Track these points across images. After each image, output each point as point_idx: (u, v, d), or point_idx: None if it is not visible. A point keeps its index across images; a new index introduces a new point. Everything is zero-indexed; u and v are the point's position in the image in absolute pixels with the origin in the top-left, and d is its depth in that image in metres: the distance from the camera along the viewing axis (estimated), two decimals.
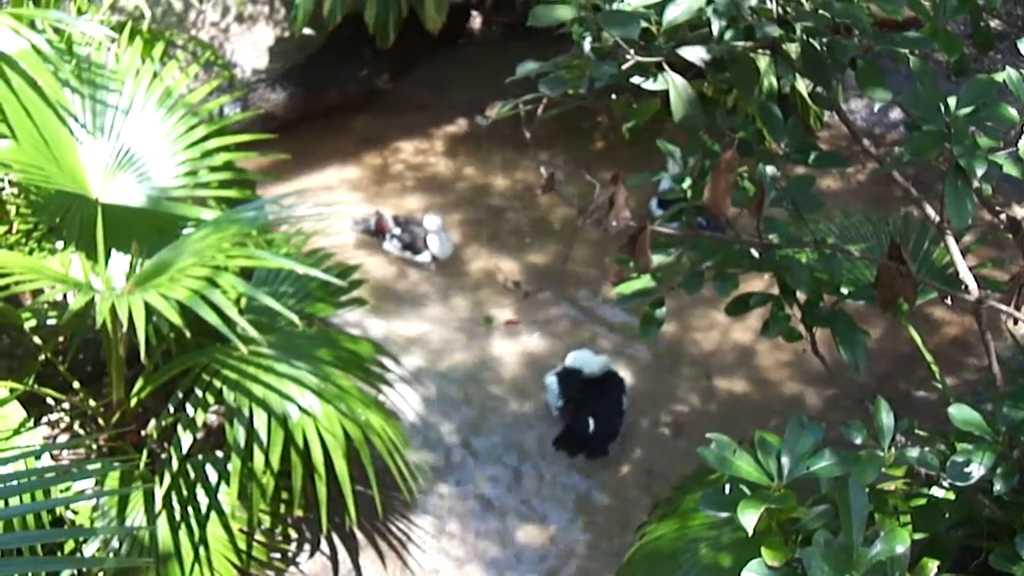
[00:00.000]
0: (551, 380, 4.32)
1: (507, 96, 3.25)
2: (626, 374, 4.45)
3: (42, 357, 3.60)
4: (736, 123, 2.93)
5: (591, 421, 4.16)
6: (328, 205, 4.88)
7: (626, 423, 4.28)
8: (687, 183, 2.92)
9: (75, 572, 3.20)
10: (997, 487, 2.36)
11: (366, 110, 5.98)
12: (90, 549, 3.26)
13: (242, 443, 3.36)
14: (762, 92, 3.55)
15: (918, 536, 2.44)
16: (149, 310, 3.02)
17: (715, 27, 2.70)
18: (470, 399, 4.45)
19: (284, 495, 3.56)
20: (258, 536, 3.58)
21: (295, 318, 3.37)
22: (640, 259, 2.58)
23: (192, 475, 3.46)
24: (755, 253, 2.86)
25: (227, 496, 3.43)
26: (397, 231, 5.08)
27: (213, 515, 3.42)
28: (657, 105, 3.07)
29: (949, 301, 3.07)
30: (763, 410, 4.35)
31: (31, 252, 3.54)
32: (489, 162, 5.83)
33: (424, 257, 5.05)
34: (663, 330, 3.03)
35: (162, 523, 3.35)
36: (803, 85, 4.93)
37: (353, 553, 3.76)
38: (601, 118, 5.86)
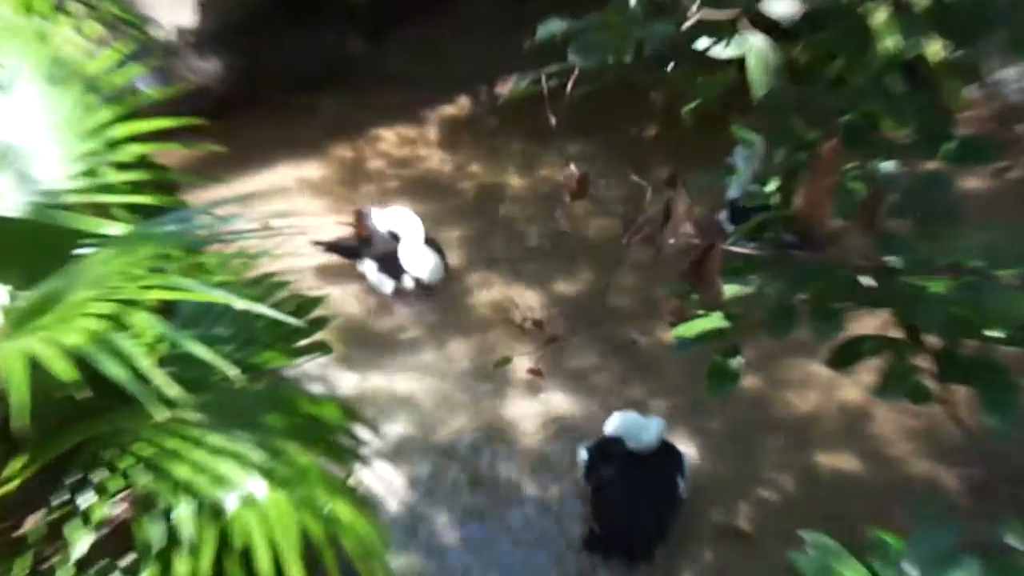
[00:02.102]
0: (584, 455, 4.29)
1: (524, 67, 3.24)
2: (687, 447, 4.42)
3: None
4: (841, 102, 2.91)
5: (631, 512, 4.13)
6: (282, 215, 4.86)
7: (684, 515, 4.24)
8: (772, 185, 2.89)
9: None
10: None
11: (333, 85, 5.98)
12: None
13: (159, 545, 3.31)
14: (878, 59, 3.53)
15: None
16: (30, 361, 2.99)
17: None
18: (475, 481, 4.44)
19: None
20: None
21: (235, 371, 3.33)
22: (708, 290, 2.55)
23: None
24: (868, 281, 2.83)
25: None
26: (380, 244, 5.07)
27: None
28: (731, 78, 3.04)
29: None
30: (879, 498, 4.31)
31: None
32: (501, 156, 5.82)
33: (405, 283, 5.05)
34: (740, 387, 2.99)
35: None
36: (936, 48, 4.90)
37: None
38: (653, 96, 5.86)
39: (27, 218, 3.70)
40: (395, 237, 5.10)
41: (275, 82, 5.82)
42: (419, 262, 5.05)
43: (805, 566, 2.37)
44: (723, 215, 5.09)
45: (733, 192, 4.91)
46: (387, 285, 5.09)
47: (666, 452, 4.29)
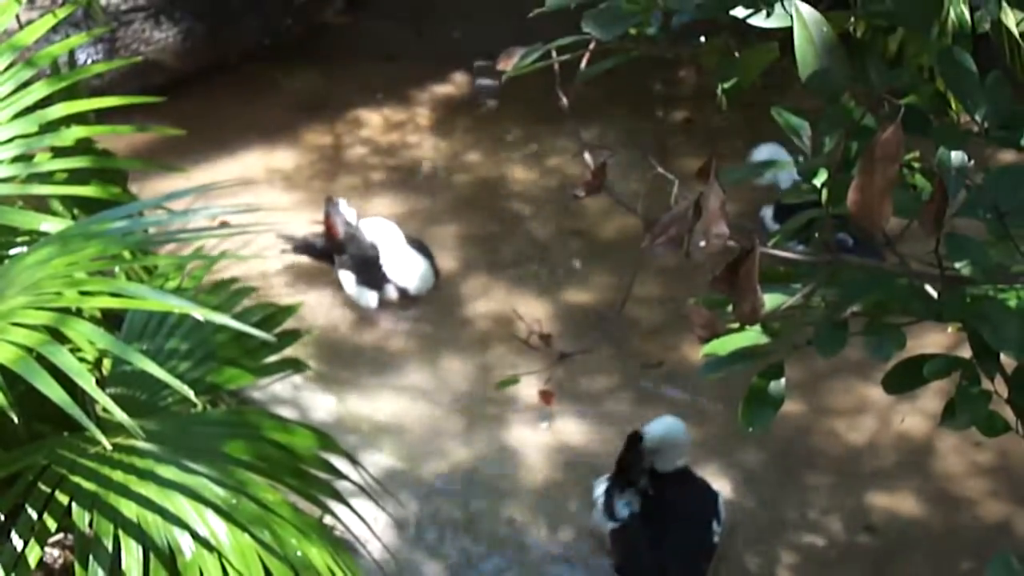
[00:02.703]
0: (601, 491, 4.29)
1: (531, 40, 3.23)
2: (721, 484, 4.42)
3: None
4: (902, 82, 2.91)
5: (655, 555, 4.14)
6: (248, 210, 4.87)
7: (720, 562, 4.25)
8: (821, 178, 2.89)
9: None
10: None
11: (307, 59, 5.99)
12: None
13: None
14: (945, 31, 3.53)
15: None
16: None
17: None
18: (472, 523, 4.44)
19: None
20: None
21: (190, 393, 3.33)
22: (745, 300, 2.54)
23: None
24: (932, 292, 2.83)
25: None
26: (358, 248, 5.08)
27: None
28: (774, 54, 3.04)
29: None
30: (944, 547, 4.31)
31: None
32: (503, 143, 5.83)
33: (389, 294, 5.05)
34: (782, 415, 2.99)
35: None
36: (1013, 18, 4.90)
37: None
38: (683, 74, 5.86)
39: None
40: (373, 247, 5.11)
41: (240, 54, 5.82)
42: (404, 269, 5.05)
43: None
44: (767, 212, 5.09)
45: (782, 184, 4.91)
46: (369, 298, 5.09)
47: (699, 488, 4.29)
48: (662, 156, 3.13)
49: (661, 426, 4.30)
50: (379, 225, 5.15)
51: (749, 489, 4.52)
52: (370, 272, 5.08)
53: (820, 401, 4.77)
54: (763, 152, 4.68)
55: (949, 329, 2.98)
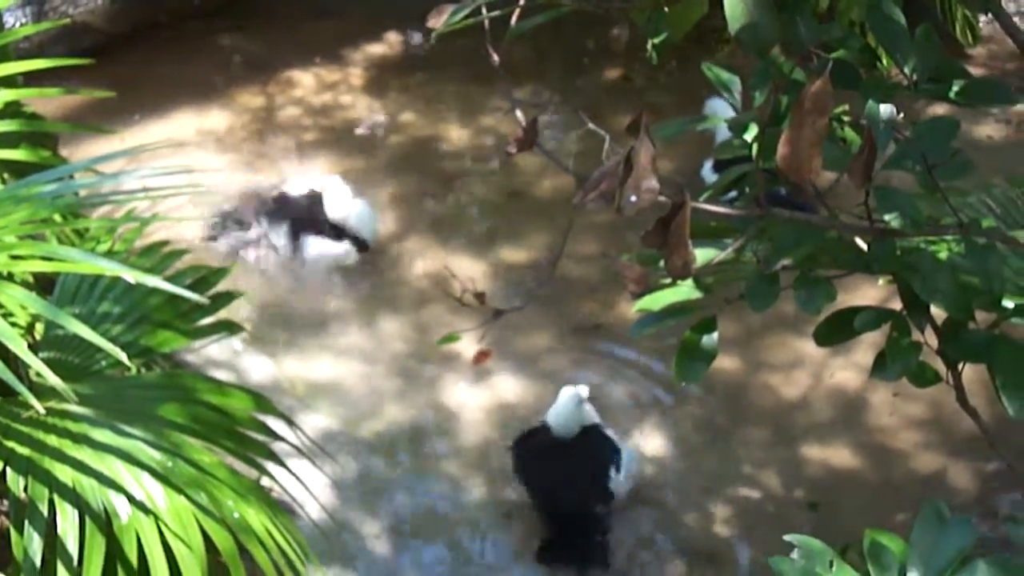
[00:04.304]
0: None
1: None
2: (657, 440, 4.46)
3: None
4: (831, 36, 2.91)
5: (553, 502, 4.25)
6: (179, 172, 4.84)
7: (656, 514, 4.29)
8: (751, 133, 2.89)
9: None
10: None
11: (240, 19, 5.96)
12: None
13: (37, 558, 3.30)
14: None
15: None
16: None
17: None
18: (410, 482, 4.45)
19: None
20: None
21: (123, 356, 3.31)
22: (676, 256, 2.54)
23: None
24: (862, 244, 2.84)
25: None
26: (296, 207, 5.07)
27: None
28: (702, 9, 3.04)
29: None
30: (877, 496, 4.35)
31: None
32: (437, 102, 5.82)
33: (341, 249, 5.04)
34: (715, 370, 3.00)
35: None
36: None
37: None
38: (616, 32, 5.86)
39: None
40: (312, 198, 5.09)
41: (171, 15, 5.78)
42: (361, 219, 5.05)
43: (790, 571, 2.38)
44: (705, 169, 5.09)
45: (718, 139, 4.92)
46: (319, 247, 5.08)
47: (593, 436, 4.34)
48: (596, 113, 3.13)
49: (557, 409, 4.34)
50: (325, 182, 5.14)
51: (686, 444, 4.54)
52: (311, 227, 5.07)
53: (754, 356, 4.79)
54: (715, 105, 4.68)
55: (880, 282, 3.00)
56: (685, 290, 2.91)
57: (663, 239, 2.55)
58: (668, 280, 2.88)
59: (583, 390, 4.32)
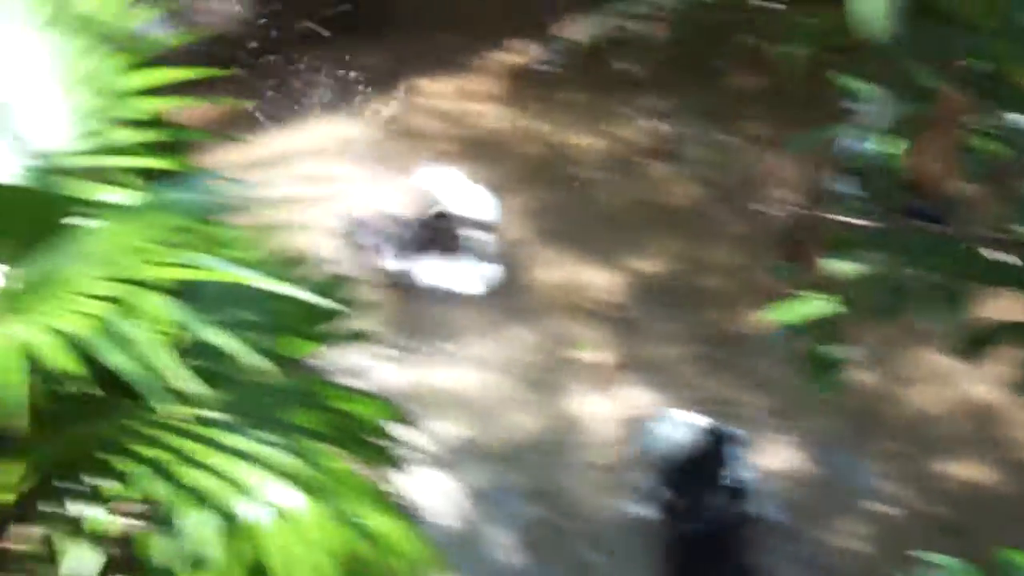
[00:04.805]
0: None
1: (597, 7, 3.22)
2: (792, 452, 4.44)
3: None
4: (968, 45, 2.88)
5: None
6: (315, 181, 4.90)
7: (779, 532, 4.27)
8: (886, 144, 2.87)
9: None
10: None
11: (376, 31, 5.99)
12: None
13: (171, 564, 3.34)
14: None
15: None
16: (24, 350, 3.02)
17: None
18: (540, 491, 4.47)
19: None
20: None
21: (262, 362, 3.35)
22: (809, 267, 2.54)
23: None
24: (1001, 257, 2.81)
25: None
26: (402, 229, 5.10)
27: None
28: (839, 20, 3.02)
29: None
30: (1012, 512, 4.29)
31: None
32: (569, 111, 5.81)
33: (471, 258, 5.06)
34: (849, 382, 2.98)
35: None
36: None
37: None
38: (752, 41, 5.83)
39: (20, 185, 3.72)
40: (440, 215, 5.12)
41: (305, 27, 5.83)
42: (475, 202, 5.08)
43: None
44: (837, 178, 5.05)
45: (846, 149, 4.88)
46: (469, 284, 5.11)
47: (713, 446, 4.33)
48: (727, 123, 3.12)
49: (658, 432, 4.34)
50: (441, 175, 5.16)
51: (821, 457, 4.50)
52: (449, 242, 5.11)
53: (888, 368, 4.74)
54: (851, 116, 4.61)
55: (1020, 296, 2.96)
56: (819, 302, 2.90)
57: (798, 251, 2.55)
58: (803, 291, 2.88)
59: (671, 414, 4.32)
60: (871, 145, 2.96)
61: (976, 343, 2.99)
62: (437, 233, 5.12)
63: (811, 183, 5.02)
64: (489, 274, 5.15)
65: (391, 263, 5.02)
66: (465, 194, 5.11)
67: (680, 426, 4.29)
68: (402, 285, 5.12)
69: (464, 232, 5.10)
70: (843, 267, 2.89)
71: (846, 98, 3.01)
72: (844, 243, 2.96)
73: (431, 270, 5.13)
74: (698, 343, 4.88)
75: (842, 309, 2.95)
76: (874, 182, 2.98)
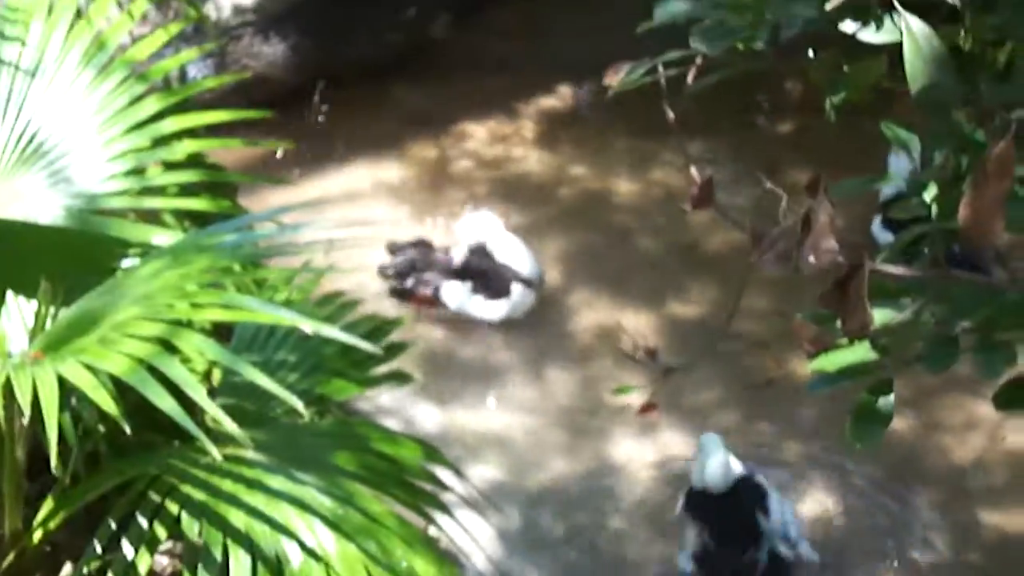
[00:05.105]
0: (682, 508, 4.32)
1: (638, 54, 3.22)
2: (829, 500, 4.42)
3: None
4: (1013, 95, 2.87)
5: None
6: (355, 224, 4.91)
7: (819, 570, 4.24)
8: (931, 193, 2.86)
9: None
10: None
11: (414, 72, 6.01)
12: None
13: None
14: None
15: None
16: (66, 389, 3.02)
17: None
18: (577, 536, 4.44)
19: None
20: None
21: (299, 404, 3.35)
22: (854, 316, 2.52)
23: None
24: None
25: None
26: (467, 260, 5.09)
27: None
28: (882, 68, 3.02)
29: None
30: None
31: None
32: (608, 156, 5.82)
33: (514, 299, 5.04)
34: (890, 431, 2.95)
35: None
36: None
37: None
38: (789, 86, 5.82)
39: (62, 225, 3.74)
40: (481, 251, 5.11)
41: (349, 68, 5.85)
42: (517, 256, 5.06)
43: None
44: (875, 226, 5.04)
45: (889, 197, 4.85)
46: (491, 309, 5.09)
47: (746, 489, 4.28)
48: (768, 169, 3.12)
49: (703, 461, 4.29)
50: (483, 221, 5.16)
51: (854, 505, 4.47)
52: (487, 281, 5.09)
53: (928, 416, 4.71)
54: (895, 163, 4.59)
55: None
56: (862, 351, 2.87)
57: (841, 300, 2.53)
58: (844, 340, 2.86)
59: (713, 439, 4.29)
60: (915, 193, 2.94)
61: (1017, 394, 2.96)
62: (480, 276, 5.11)
63: (854, 230, 5.02)
64: (528, 318, 5.14)
65: (432, 303, 5.01)
66: (508, 245, 5.10)
67: (719, 470, 4.26)
68: (443, 325, 5.12)
69: (508, 280, 5.08)
70: (886, 316, 2.87)
71: (890, 146, 3.00)
72: (887, 291, 2.94)
73: (472, 311, 5.12)
74: (738, 389, 4.86)
75: (884, 358, 2.93)
76: (918, 230, 2.96)
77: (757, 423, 4.74)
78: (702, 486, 4.26)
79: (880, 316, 2.78)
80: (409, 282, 5.14)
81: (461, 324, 5.13)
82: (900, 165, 4.44)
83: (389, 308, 4.92)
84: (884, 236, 4.99)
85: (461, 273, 5.12)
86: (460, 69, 6.11)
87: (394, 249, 5.20)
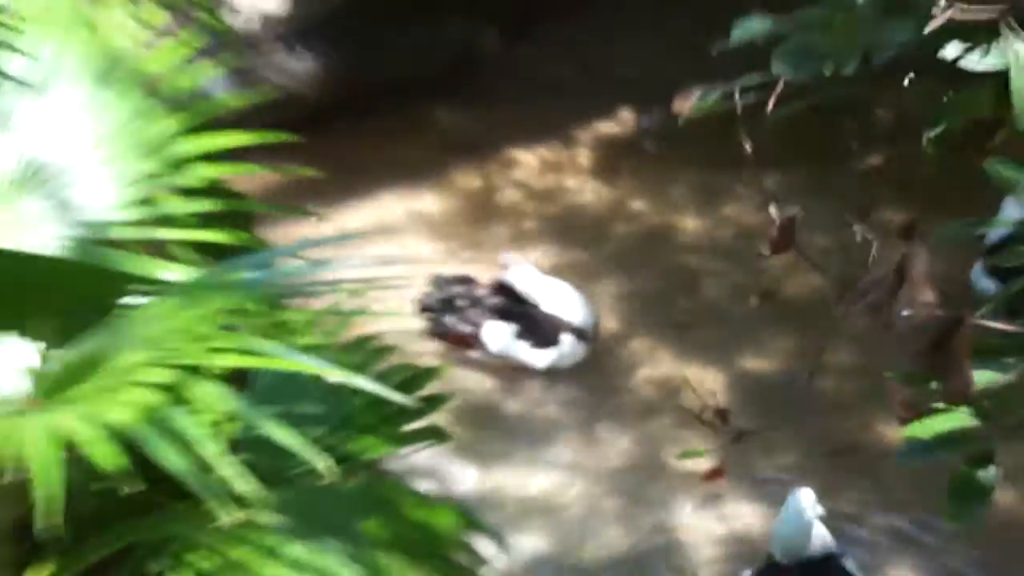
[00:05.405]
0: None
1: (711, 77, 3.22)
2: None
3: None
4: None
5: None
6: (389, 261, 4.90)
7: None
8: None
9: None
10: None
11: (457, 94, 6.03)
12: None
13: None
14: None
15: None
16: (63, 442, 3.02)
17: None
18: None
19: None
20: None
21: (323, 463, 3.33)
22: (954, 377, 2.50)
23: None
24: None
25: None
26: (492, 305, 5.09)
27: None
28: (988, 99, 3.00)
29: None
30: None
31: None
32: (674, 190, 5.82)
33: (563, 347, 5.04)
34: (995, 507, 2.93)
35: None
36: None
37: None
38: (883, 116, 5.80)
39: (64, 257, 3.75)
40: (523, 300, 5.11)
41: (385, 87, 5.87)
42: (567, 305, 5.06)
43: None
44: (976, 273, 5.01)
45: (993, 240, 4.83)
46: (539, 356, 5.09)
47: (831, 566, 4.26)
48: (857, 209, 3.08)
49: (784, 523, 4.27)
50: (524, 272, 5.16)
51: None
52: (535, 328, 5.08)
53: None
54: (1009, 207, 4.55)
55: None
56: (961, 417, 2.85)
57: (939, 359, 2.51)
58: (941, 404, 2.83)
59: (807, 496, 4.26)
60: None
61: None
62: (526, 319, 5.11)
63: (951, 279, 4.99)
64: (582, 369, 5.14)
65: (470, 344, 5.01)
66: (554, 291, 5.10)
67: (805, 536, 4.23)
68: (485, 372, 5.12)
69: (557, 329, 5.07)
70: (989, 377, 2.84)
71: (997, 186, 2.97)
72: (990, 349, 2.91)
73: (516, 355, 5.12)
74: (817, 455, 4.84)
75: (986, 425, 2.90)
76: None
77: (838, 494, 4.70)
78: (783, 557, 4.23)
79: (982, 378, 2.76)
80: (448, 319, 5.14)
81: (505, 372, 5.13)
82: (1011, 209, 4.43)
83: (427, 354, 4.91)
84: (985, 285, 4.97)
85: (506, 313, 5.11)
86: (508, 90, 6.13)
87: (438, 283, 5.20)
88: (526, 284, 5.13)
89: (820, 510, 4.24)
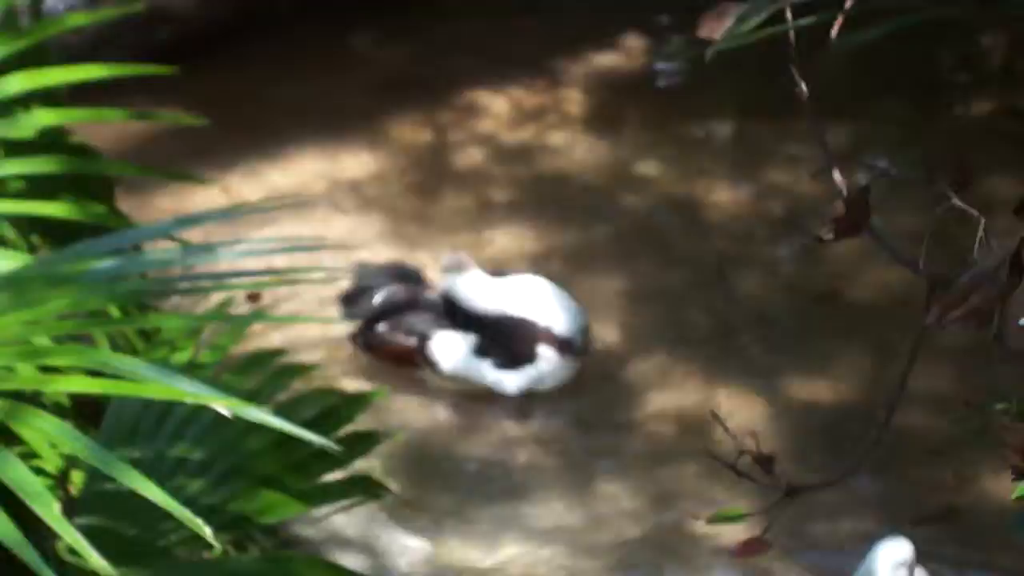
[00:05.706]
0: None
1: None
2: None
3: None
4: None
5: None
6: (301, 247, 4.91)
7: None
8: None
9: None
10: None
11: (396, 13, 6.04)
12: None
13: None
14: None
15: None
16: None
17: None
18: None
19: None
20: None
21: (205, 530, 3.34)
22: None
23: None
24: None
25: None
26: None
27: None
28: None
29: None
30: None
31: None
32: (697, 149, 5.84)
33: (542, 368, 5.06)
34: None
35: None
36: None
37: None
38: (990, 46, 5.83)
39: None
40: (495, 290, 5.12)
41: (292, 4, 5.88)
42: (546, 307, 5.06)
43: None
44: None
45: None
46: (508, 378, 5.09)
47: None
48: (956, 176, 3.08)
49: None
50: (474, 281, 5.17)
51: None
52: (508, 341, 5.09)
53: None
54: None
55: None
56: None
57: None
58: None
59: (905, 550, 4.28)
60: None
61: None
62: (493, 332, 5.12)
63: None
64: (568, 394, 5.14)
65: (413, 361, 5.01)
66: (527, 290, 5.11)
67: None
68: (436, 399, 5.12)
69: (531, 340, 5.08)
70: None
71: None
72: None
73: (475, 377, 5.12)
74: (900, 520, 4.84)
75: None
76: None
77: (927, 567, 4.73)
78: None
79: None
80: (382, 327, 5.13)
81: (462, 400, 5.13)
82: None
83: (353, 375, 4.90)
84: None
85: (463, 320, 5.11)
86: (467, 8, 6.15)
87: (363, 276, 5.20)
88: (478, 297, 5.12)
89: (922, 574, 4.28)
